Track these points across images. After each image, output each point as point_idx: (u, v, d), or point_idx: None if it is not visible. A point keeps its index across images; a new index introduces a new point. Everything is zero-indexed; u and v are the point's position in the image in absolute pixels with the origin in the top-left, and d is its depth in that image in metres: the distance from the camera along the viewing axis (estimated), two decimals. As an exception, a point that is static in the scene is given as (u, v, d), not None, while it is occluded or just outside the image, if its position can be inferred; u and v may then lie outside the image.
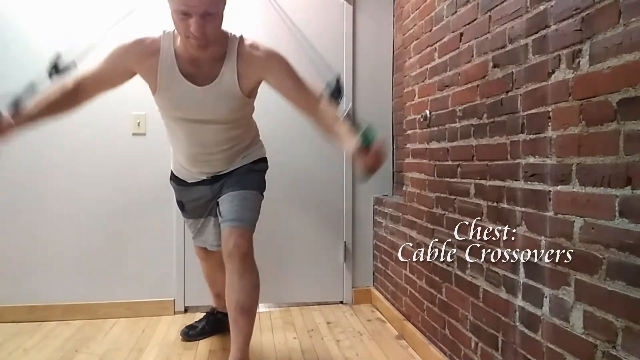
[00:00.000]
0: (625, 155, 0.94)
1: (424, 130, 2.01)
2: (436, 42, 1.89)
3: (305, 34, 2.59)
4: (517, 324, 1.32)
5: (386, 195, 2.65)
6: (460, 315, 1.67)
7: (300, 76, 1.62)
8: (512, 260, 1.35)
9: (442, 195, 1.82)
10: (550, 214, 1.18)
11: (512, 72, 1.36)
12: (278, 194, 2.49)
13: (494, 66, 1.46)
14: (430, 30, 1.96)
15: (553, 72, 1.17)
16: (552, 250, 1.17)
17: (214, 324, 2.20)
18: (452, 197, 1.73)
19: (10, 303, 2.37)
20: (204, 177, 1.81)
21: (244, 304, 1.63)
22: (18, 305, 2.37)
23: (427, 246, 1.95)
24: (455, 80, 1.72)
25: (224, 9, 1.44)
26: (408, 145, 2.21)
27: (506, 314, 1.38)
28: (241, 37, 1.60)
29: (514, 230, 1.34)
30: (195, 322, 2.24)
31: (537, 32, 1.24)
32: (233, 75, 1.56)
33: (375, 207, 2.67)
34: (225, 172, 1.79)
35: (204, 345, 2.11)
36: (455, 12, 1.72)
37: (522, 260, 1.30)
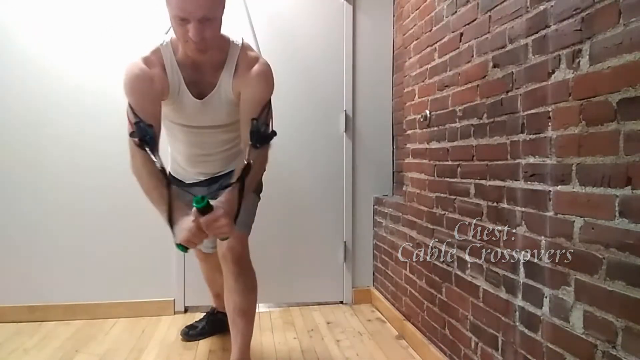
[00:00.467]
0: (625, 155, 0.94)
1: (424, 130, 2.01)
2: (436, 42, 1.89)
3: (306, 34, 2.60)
4: (517, 324, 1.32)
5: (386, 195, 2.65)
6: (460, 315, 1.67)
7: (260, 106, 1.50)
8: (512, 260, 1.35)
9: (442, 195, 1.82)
10: (550, 214, 1.18)
11: (512, 72, 1.36)
12: (278, 194, 2.50)
13: (494, 66, 1.46)
14: (430, 30, 1.96)
15: (553, 72, 1.17)
16: (552, 250, 1.17)
17: (214, 324, 2.21)
18: (452, 197, 1.73)
19: (10, 303, 2.37)
20: (202, 178, 1.81)
21: (241, 306, 1.64)
22: (18, 305, 2.37)
23: (427, 246, 1.95)
24: (455, 80, 1.72)
25: (222, 13, 1.42)
26: (408, 145, 2.21)
27: (506, 314, 1.38)
28: (243, 45, 1.57)
29: (514, 230, 1.34)
30: (195, 322, 2.24)
31: (537, 32, 1.24)
32: (229, 84, 1.54)
33: (375, 207, 2.68)
34: (222, 173, 1.79)
35: (204, 345, 2.11)
36: (455, 12, 1.72)
37: (522, 260, 1.30)
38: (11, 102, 2.36)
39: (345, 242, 2.68)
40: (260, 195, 1.85)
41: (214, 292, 2.21)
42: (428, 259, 1.92)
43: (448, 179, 1.77)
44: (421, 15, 2.06)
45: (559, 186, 1.15)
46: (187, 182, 1.85)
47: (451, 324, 1.74)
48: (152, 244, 2.47)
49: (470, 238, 1.60)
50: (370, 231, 2.71)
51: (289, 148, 2.59)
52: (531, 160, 1.27)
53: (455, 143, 1.72)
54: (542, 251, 1.21)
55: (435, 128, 1.90)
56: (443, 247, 1.80)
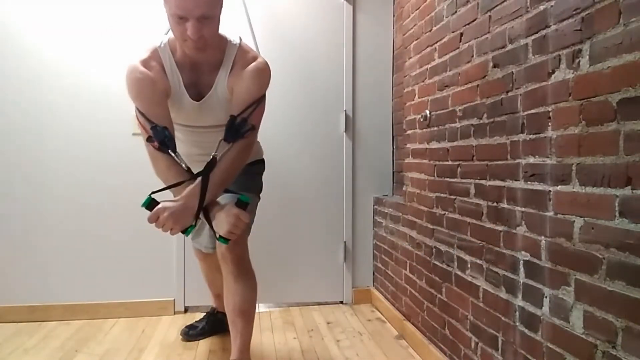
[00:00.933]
0: (625, 155, 0.94)
1: (424, 130, 2.01)
2: (436, 42, 1.89)
3: (306, 34, 2.60)
4: (517, 324, 1.32)
5: (386, 195, 2.65)
6: (460, 315, 1.67)
7: (246, 103, 1.49)
8: (512, 260, 1.35)
9: (442, 195, 1.82)
10: (550, 214, 1.18)
11: (512, 72, 1.36)
12: (278, 194, 2.50)
13: (494, 66, 1.46)
14: (430, 30, 1.96)
15: (553, 72, 1.17)
16: (552, 250, 1.17)
17: (214, 324, 2.20)
18: (452, 197, 1.73)
19: (10, 303, 2.37)
20: None
21: (241, 306, 1.63)
22: (18, 305, 2.37)
23: (427, 246, 1.95)
24: (455, 80, 1.72)
25: (220, 12, 1.42)
26: (408, 145, 2.21)
27: (506, 314, 1.38)
28: (240, 45, 1.56)
29: (514, 230, 1.34)
30: (196, 322, 2.24)
31: (537, 32, 1.24)
32: (224, 83, 1.54)
33: (375, 207, 2.68)
34: None
35: (204, 345, 2.11)
36: (455, 12, 1.72)
37: (522, 260, 1.30)
38: (12, 101, 2.36)
39: (345, 242, 2.68)
40: (260, 195, 1.85)
41: (214, 293, 2.21)
42: (428, 258, 1.92)
43: (448, 179, 1.77)
44: (421, 15, 2.06)
45: (559, 186, 1.15)
46: None
47: (451, 324, 1.74)
48: (153, 244, 2.47)
49: (470, 238, 1.60)
50: (370, 231, 2.71)
51: (289, 148, 2.59)
52: (531, 160, 1.27)
53: (455, 143, 1.72)
54: (542, 251, 1.21)
55: (435, 128, 1.90)
56: (443, 247, 1.80)
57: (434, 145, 1.91)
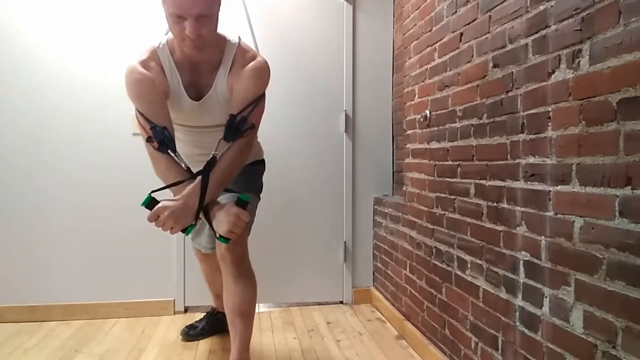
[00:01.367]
0: (625, 155, 0.94)
1: (424, 130, 2.01)
2: (436, 42, 1.89)
3: (305, 34, 2.60)
4: (517, 324, 1.33)
5: (386, 195, 2.65)
6: (460, 315, 1.67)
7: (246, 101, 1.50)
8: (512, 260, 1.35)
9: (442, 195, 1.82)
10: (550, 214, 1.18)
11: (512, 72, 1.36)
12: (278, 194, 2.50)
13: (494, 66, 1.46)
14: (430, 30, 1.96)
15: (553, 72, 1.17)
16: (552, 250, 1.17)
17: (214, 324, 2.20)
18: (452, 197, 1.73)
19: (10, 303, 2.37)
20: None
21: (240, 307, 1.63)
22: (18, 305, 2.37)
23: (427, 246, 1.95)
24: (455, 80, 1.72)
25: (219, 10, 1.42)
26: (408, 145, 2.21)
27: (506, 314, 1.38)
28: (239, 44, 1.56)
29: (514, 230, 1.34)
30: (196, 322, 2.24)
31: (537, 32, 1.24)
32: (224, 83, 1.54)
33: (375, 207, 2.68)
34: None
35: (204, 345, 2.11)
36: (455, 12, 1.72)
37: (522, 260, 1.30)
38: (12, 101, 2.36)
39: (345, 242, 2.68)
40: (260, 195, 1.85)
41: (214, 293, 2.21)
42: (428, 258, 1.92)
43: (448, 179, 1.77)
44: (421, 15, 2.06)
45: (559, 186, 1.15)
46: None
47: (451, 324, 1.74)
48: (152, 244, 2.47)
49: (470, 238, 1.60)
50: (370, 231, 2.71)
51: (289, 148, 2.59)
52: (531, 160, 1.27)
53: (455, 143, 1.72)
54: (542, 251, 1.21)
55: (435, 128, 1.90)
56: (443, 247, 1.80)
57: (434, 145, 1.91)
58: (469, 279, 1.60)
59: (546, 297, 1.19)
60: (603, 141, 1.00)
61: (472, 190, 1.59)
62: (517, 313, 1.32)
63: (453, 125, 1.74)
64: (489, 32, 1.49)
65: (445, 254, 1.78)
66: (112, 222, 2.45)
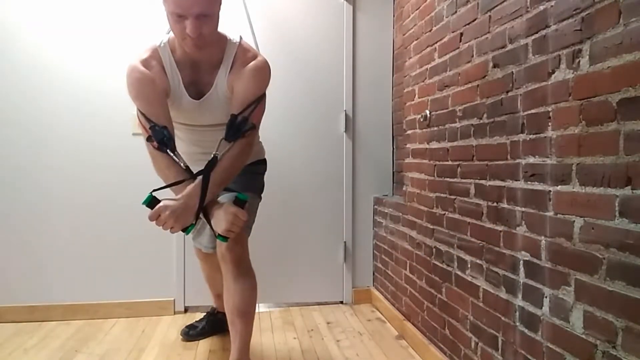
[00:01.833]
0: (625, 155, 0.94)
1: (424, 130, 2.01)
2: (436, 42, 1.89)
3: (305, 34, 2.60)
4: (517, 324, 1.33)
5: (386, 195, 2.65)
6: (460, 315, 1.67)
7: (247, 102, 1.50)
8: (512, 260, 1.35)
9: (442, 195, 1.82)
10: (550, 214, 1.18)
11: (512, 72, 1.36)
12: (278, 194, 2.50)
13: (494, 66, 1.46)
14: (430, 30, 1.96)
15: (553, 72, 1.18)
16: (552, 250, 1.17)
17: (214, 324, 2.20)
18: (452, 197, 1.73)
19: (10, 303, 2.37)
20: None
21: (240, 306, 1.63)
22: (18, 305, 2.37)
23: (427, 246, 1.95)
24: (455, 80, 1.72)
25: (219, 9, 1.43)
26: (408, 145, 2.21)
27: (506, 314, 1.38)
28: (240, 43, 1.57)
29: (514, 230, 1.34)
30: (196, 322, 2.24)
31: (537, 32, 1.24)
32: (224, 82, 1.54)
33: (375, 207, 2.68)
34: None
35: (204, 345, 2.11)
36: (455, 12, 1.72)
37: (522, 260, 1.30)
38: (12, 101, 2.36)
39: (345, 242, 2.68)
40: (261, 195, 1.85)
41: (214, 292, 2.21)
42: (428, 258, 1.92)
43: (448, 179, 1.77)
44: (421, 15, 2.06)
45: (559, 186, 1.15)
46: None
47: (451, 324, 1.74)
48: (152, 244, 2.47)
49: (470, 238, 1.60)
50: (370, 231, 2.71)
51: (289, 148, 2.59)
52: (531, 160, 1.27)
53: (455, 143, 1.72)
54: (542, 251, 1.21)
55: (435, 128, 1.90)
56: (443, 247, 1.80)
57: (434, 145, 1.91)
58: (469, 279, 1.60)
59: (546, 297, 1.19)
60: (603, 141, 1.00)
61: (472, 190, 1.59)
62: (517, 313, 1.33)
63: (453, 125, 1.74)
64: (489, 32, 1.49)
65: (445, 254, 1.78)
66: (112, 222, 2.45)
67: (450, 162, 1.76)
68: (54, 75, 2.39)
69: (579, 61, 1.08)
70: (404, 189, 2.27)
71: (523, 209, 1.30)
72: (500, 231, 1.41)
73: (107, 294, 2.44)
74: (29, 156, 2.38)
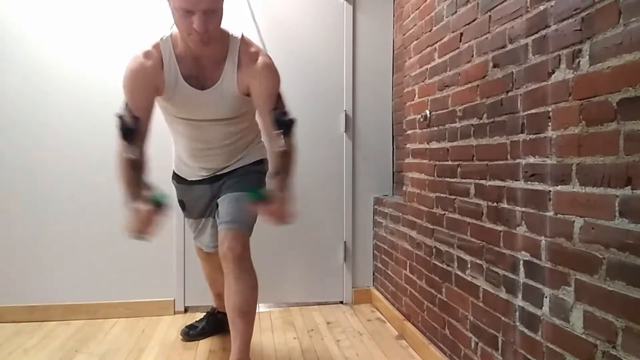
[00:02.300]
0: (625, 155, 0.94)
1: (424, 130, 2.01)
2: (436, 42, 1.89)
3: (305, 33, 2.60)
4: (517, 324, 1.32)
5: (386, 195, 2.65)
6: (460, 315, 1.67)
7: (275, 96, 1.60)
8: (512, 260, 1.35)
9: (442, 195, 1.82)
10: (550, 214, 1.18)
11: (512, 72, 1.36)
12: (278, 194, 2.49)
13: (494, 66, 1.46)
14: (430, 30, 1.96)
15: (553, 72, 1.17)
16: (552, 250, 1.17)
17: (214, 324, 2.20)
18: (452, 197, 1.73)
19: (10, 303, 2.37)
20: (205, 174, 1.80)
21: (241, 306, 1.64)
22: (18, 305, 2.37)
23: (427, 246, 1.95)
24: (455, 80, 1.72)
25: (223, 5, 1.46)
26: (408, 145, 2.21)
27: (506, 314, 1.38)
28: (242, 38, 1.61)
29: (514, 230, 1.34)
30: (196, 322, 2.24)
31: (537, 32, 1.24)
32: (233, 77, 1.58)
33: (375, 207, 2.68)
34: (225, 171, 1.79)
35: (204, 345, 2.11)
36: (455, 12, 1.72)
37: (522, 260, 1.30)
38: (11, 101, 2.36)
39: (345, 242, 2.68)
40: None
41: (214, 292, 2.21)
42: (428, 258, 1.92)
43: (448, 179, 1.77)
44: (421, 15, 2.06)
45: (559, 186, 1.15)
46: (189, 179, 1.85)
47: (451, 324, 1.74)
48: (152, 244, 2.46)
49: (470, 238, 1.60)
50: (370, 231, 2.71)
51: (289, 148, 2.59)
52: (531, 160, 1.27)
53: (455, 143, 1.72)
54: (542, 251, 1.21)
55: (435, 128, 1.90)
56: (443, 247, 1.80)
57: (434, 145, 1.91)
58: (469, 279, 1.60)
59: (546, 297, 1.19)
60: (603, 141, 1.00)
61: (472, 190, 1.59)
62: (517, 313, 1.32)
63: (453, 125, 1.74)
64: (489, 32, 1.49)
65: (445, 254, 1.78)
66: (113, 222, 2.45)
67: (450, 162, 1.76)
68: (54, 75, 2.38)
69: (579, 61, 1.08)
70: (404, 189, 2.27)
71: (523, 209, 1.30)
72: (500, 231, 1.41)
73: (107, 294, 2.44)
74: (28, 156, 2.38)
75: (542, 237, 1.21)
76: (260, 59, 1.59)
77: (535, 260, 1.24)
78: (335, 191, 2.67)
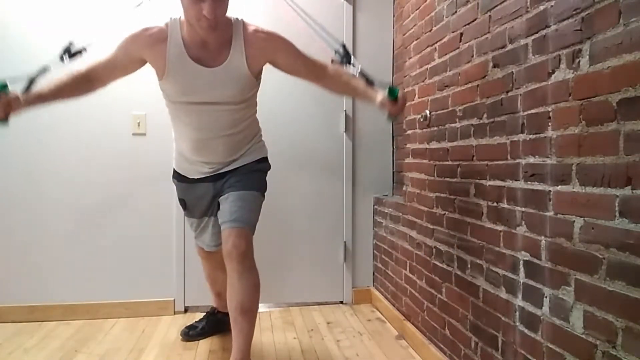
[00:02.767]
0: (625, 155, 0.94)
1: (424, 130, 2.01)
2: (436, 42, 1.89)
3: (305, 33, 2.60)
4: (517, 324, 1.33)
5: (386, 195, 2.65)
6: (460, 315, 1.67)
7: (303, 52, 1.74)
8: (512, 260, 1.35)
9: (442, 195, 1.82)
10: (550, 214, 1.18)
11: (512, 72, 1.36)
12: (277, 194, 2.50)
13: (494, 66, 1.46)
14: (430, 30, 1.96)
15: (553, 72, 1.18)
16: (552, 250, 1.17)
17: (214, 324, 2.21)
18: (452, 197, 1.73)
19: (10, 303, 2.37)
20: (206, 170, 1.80)
21: (243, 304, 1.64)
22: (18, 305, 2.37)
23: (427, 246, 1.95)
24: (455, 80, 1.73)
25: None
26: (408, 145, 2.21)
27: (506, 314, 1.38)
28: (243, 21, 1.69)
29: (514, 230, 1.34)
30: (196, 322, 2.24)
31: (537, 32, 1.24)
32: (242, 57, 1.64)
33: (375, 207, 2.68)
34: (227, 168, 1.79)
35: (204, 345, 2.11)
36: (455, 12, 1.72)
37: (522, 260, 1.30)
38: (11, 102, 2.37)
39: (345, 242, 2.68)
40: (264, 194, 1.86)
41: (215, 291, 2.21)
42: (428, 258, 1.92)
43: (448, 179, 1.77)
44: (421, 15, 2.06)
45: (559, 186, 1.15)
46: (191, 177, 1.85)
47: (451, 324, 1.74)
48: (152, 244, 2.48)
49: (470, 238, 1.60)
50: (370, 231, 2.71)
51: (289, 147, 2.59)
52: (531, 160, 1.27)
53: (455, 143, 1.72)
54: (542, 251, 1.21)
55: (435, 128, 1.90)
56: (443, 247, 1.80)
57: (434, 145, 1.91)
58: (469, 279, 1.60)
59: (546, 297, 1.19)
60: (603, 141, 1.00)
61: (472, 190, 1.59)
62: (517, 313, 1.33)
63: (453, 125, 1.74)
64: (489, 32, 1.49)
65: (445, 254, 1.78)
66: (112, 222, 2.45)
67: (450, 162, 1.76)
68: (53, 76, 2.38)
69: (579, 61, 1.08)
70: (404, 189, 2.27)
71: (523, 209, 1.30)
72: (500, 231, 1.41)
73: (107, 294, 2.44)
74: (28, 156, 2.38)
75: (542, 237, 1.21)
76: (267, 33, 1.69)
77: (535, 260, 1.24)
78: (335, 191, 2.67)
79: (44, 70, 1.55)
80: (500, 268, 1.42)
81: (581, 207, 1.07)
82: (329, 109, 2.64)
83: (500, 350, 1.42)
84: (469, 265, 1.61)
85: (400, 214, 2.27)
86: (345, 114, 2.64)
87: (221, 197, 1.77)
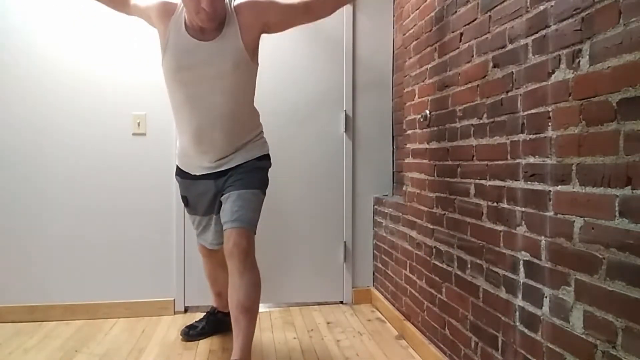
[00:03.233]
0: (625, 155, 0.94)
1: (424, 130, 2.01)
2: (436, 42, 1.89)
3: (305, 33, 2.60)
4: (517, 324, 1.33)
5: (386, 195, 2.65)
6: (460, 315, 1.67)
7: (285, 2, 1.73)
8: (512, 260, 1.35)
9: (442, 195, 1.82)
10: (550, 214, 1.18)
11: (512, 72, 1.36)
12: (278, 194, 2.50)
13: (494, 66, 1.46)
14: (430, 30, 1.96)
15: (553, 72, 1.18)
16: (552, 250, 1.17)
17: (214, 324, 2.21)
18: (452, 197, 1.73)
19: (10, 303, 2.37)
20: (208, 164, 1.80)
21: (245, 303, 1.64)
22: (18, 305, 2.37)
23: (427, 246, 1.95)
24: (455, 80, 1.73)
25: None
26: (408, 145, 2.21)
27: (506, 314, 1.38)
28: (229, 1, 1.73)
29: (514, 230, 1.34)
30: (196, 322, 2.24)
31: (537, 32, 1.24)
32: (235, 29, 1.67)
33: (375, 207, 2.68)
34: (228, 165, 1.79)
35: (204, 345, 2.11)
36: (455, 12, 1.72)
37: (522, 260, 1.30)
38: (11, 101, 2.37)
39: (345, 242, 2.68)
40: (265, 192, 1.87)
41: (215, 291, 2.21)
42: (428, 258, 1.92)
43: (448, 179, 1.77)
44: (421, 15, 2.06)
45: (559, 186, 1.15)
46: (193, 173, 1.85)
47: (451, 324, 1.74)
48: (152, 244, 2.48)
49: (470, 238, 1.60)
50: (370, 231, 2.71)
51: (289, 148, 2.59)
52: (531, 160, 1.27)
53: (455, 143, 1.72)
54: (542, 251, 1.21)
55: (435, 128, 1.90)
56: (443, 247, 1.80)
57: (434, 145, 1.91)
58: (469, 279, 1.60)
59: (546, 297, 1.19)
60: (603, 141, 1.00)
61: (472, 190, 1.59)
62: (517, 313, 1.33)
63: (453, 125, 1.74)
64: (489, 32, 1.49)
65: (445, 254, 1.78)
66: (112, 222, 2.45)
67: (450, 162, 1.76)
68: (52, 76, 2.39)
69: (579, 61, 1.08)
70: (404, 189, 2.27)
71: (523, 209, 1.30)
72: (500, 231, 1.41)
73: (107, 294, 2.44)
74: (28, 156, 2.38)
75: (542, 237, 1.21)
76: (253, 1, 1.70)
77: (535, 260, 1.24)
78: (335, 191, 2.67)
79: None
80: (500, 268, 1.42)
81: (581, 207, 1.07)
82: (329, 109, 2.64)
83: (500, 350, 1.42)
84: (469, 265, 1.61)
85: (400, 214, 2.27)
86: (345, 114, 2.64)
87: (223, 196, 1.78)
